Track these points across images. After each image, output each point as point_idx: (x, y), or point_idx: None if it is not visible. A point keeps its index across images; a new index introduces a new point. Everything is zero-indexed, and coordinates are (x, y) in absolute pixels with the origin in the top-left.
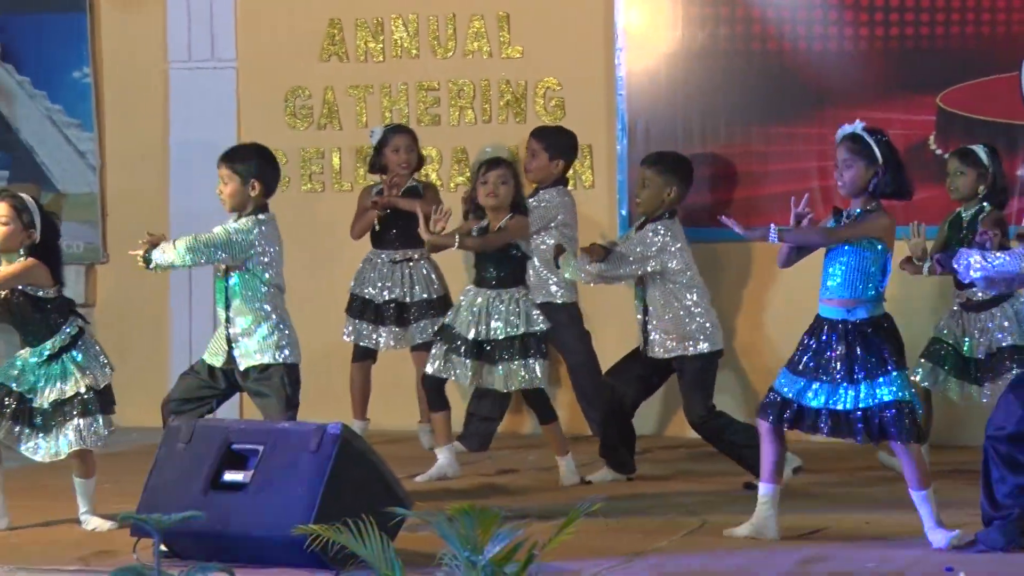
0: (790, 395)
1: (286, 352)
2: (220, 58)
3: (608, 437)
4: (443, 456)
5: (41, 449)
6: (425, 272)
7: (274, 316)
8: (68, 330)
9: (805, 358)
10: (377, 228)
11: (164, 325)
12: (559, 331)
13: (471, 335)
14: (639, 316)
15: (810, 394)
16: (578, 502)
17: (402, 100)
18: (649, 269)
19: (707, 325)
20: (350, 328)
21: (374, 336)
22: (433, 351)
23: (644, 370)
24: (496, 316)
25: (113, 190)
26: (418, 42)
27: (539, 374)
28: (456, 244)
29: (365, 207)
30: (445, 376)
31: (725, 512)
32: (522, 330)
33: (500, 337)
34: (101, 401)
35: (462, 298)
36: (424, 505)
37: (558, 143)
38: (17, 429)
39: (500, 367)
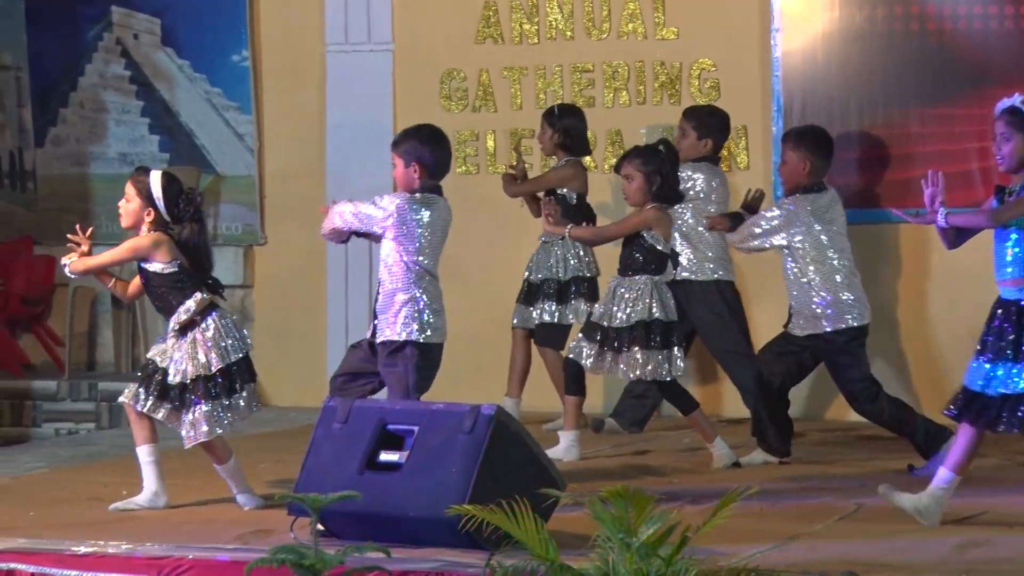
0: (982, 390)
1: (413, 328)
2: (376, 41)
3: (760, 418)
4: (563, 440)
5: (182, 433)
6: (551, 256)
7: (410, 293)
8: (188, 306)
9: (988, 342)
10: None
11: (321, 306)
12: (702, 313)
13: (602, 322)
14: None
15: (995, 382)
16: (732, 485)
17: (556, 82)
18: (775, 244)
19: (840, 303)
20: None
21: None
22: (578, 335)
23: (794, 348)
24: (621, 304)
25: (271, 172)
26: (573, 24)
27: (663, 366)
28: (567, 233)
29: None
30: (573, 358)
31: (881, 496)
32: (642, 318)
33: (621, 326)
34: (208, 388)
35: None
36: (577, 487)
37: (707, 122)
38: (164, 408)
39: (623, 356)
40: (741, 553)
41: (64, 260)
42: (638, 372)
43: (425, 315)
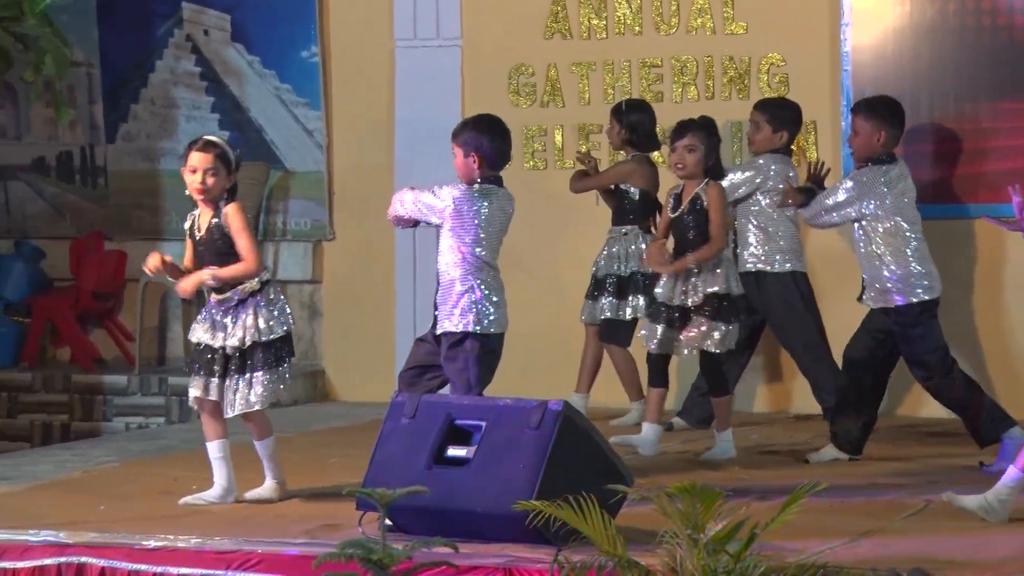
0: None
1: (470, 319)
2: (445, 36)
3: (837, 414)
4: (647, 431)
5: (234, 399)
6: (614, 251)
7: (467, 284)
8: (263, 275)
9: None
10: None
11: (390, 301)
12: (776, 305)
13: (668, 302)
14: None
15: None
16: (800, 481)
17: (625, 77)
18: (849, 217)
19: (911, 276)
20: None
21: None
22: (645, 323)
23: (878, 339)
24: (688, 284)
25: (340, 168)
26: (641, 19)
27: (718, 340)
28: (689, 265)
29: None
30: (647, 345)
31: (946, 502)
32: (715, 290)
33: (689, 304)
34: (266, 356)
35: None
36: (645, 482)
37: (781, 115)
38: (225, 384)
39: (690, 331)
40: (809, 550)
41: (180, 285)
42: (707, 344)
43: (483, 306)
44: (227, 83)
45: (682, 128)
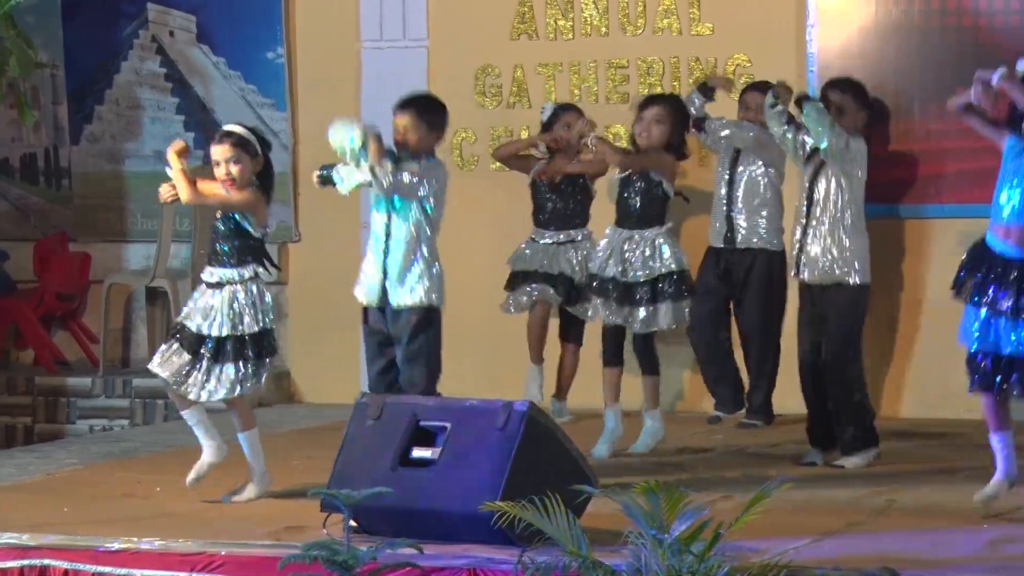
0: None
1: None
2: (412, 37)
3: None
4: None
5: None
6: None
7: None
8: (245, 273)
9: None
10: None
11: (355, 303)
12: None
13: (611, 275)
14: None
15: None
16: (764, 481)
17: (591, 78)
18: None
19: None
20: (511, 302)
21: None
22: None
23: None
24: (634, 256)
25: (305, 169)
26: (608, 20)
27: (663, 318)
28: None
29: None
30: (591, 319)
31: (913, 491)
32: (659, 271)
33: (640, 279)
34: (257, 347)
35: (604, 240)
36: (610, 482)
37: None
38: (189, 370)
39: (641, 310)
40: (774, 549)
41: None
42: (654, 326)
43: None
44: (192, 84)
45: (651, 99)
